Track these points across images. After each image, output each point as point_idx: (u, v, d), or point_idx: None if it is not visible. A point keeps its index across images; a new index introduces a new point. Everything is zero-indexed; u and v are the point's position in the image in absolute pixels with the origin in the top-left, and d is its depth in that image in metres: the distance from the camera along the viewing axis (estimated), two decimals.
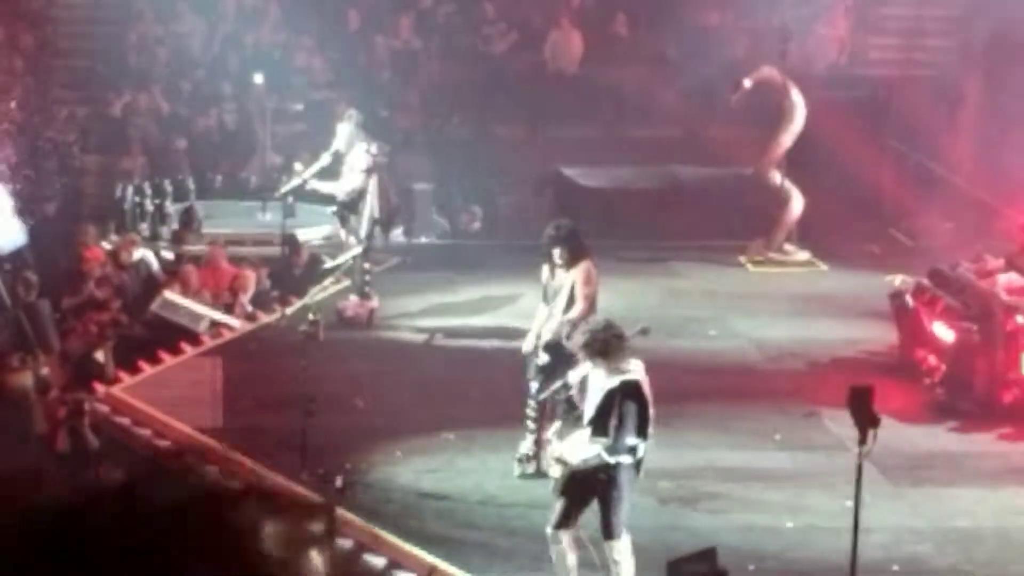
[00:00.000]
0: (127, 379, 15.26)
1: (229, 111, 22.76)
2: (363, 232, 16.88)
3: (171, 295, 17.09)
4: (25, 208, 18.72)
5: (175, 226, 20.08)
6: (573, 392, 10.74)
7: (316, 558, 2.56)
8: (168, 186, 20.65)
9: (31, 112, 21.65)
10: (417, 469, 13.12)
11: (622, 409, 10.19)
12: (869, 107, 21.54)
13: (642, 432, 10.27)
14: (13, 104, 21.23)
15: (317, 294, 17.15)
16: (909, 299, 15.63)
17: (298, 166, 18.56)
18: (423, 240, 20.88)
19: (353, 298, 17.09)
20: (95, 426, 14.42)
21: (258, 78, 22.00)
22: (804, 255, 19.92)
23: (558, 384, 11.25)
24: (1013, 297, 14.67)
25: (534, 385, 12.62)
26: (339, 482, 12.32)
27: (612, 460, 10.22)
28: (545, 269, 12.84)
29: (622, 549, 10.43)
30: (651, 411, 10.30)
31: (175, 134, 22.37)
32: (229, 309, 17.32)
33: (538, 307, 13.00)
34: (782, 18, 21.37)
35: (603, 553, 10.48)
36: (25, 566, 2.50)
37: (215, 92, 22.98)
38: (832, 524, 11.66)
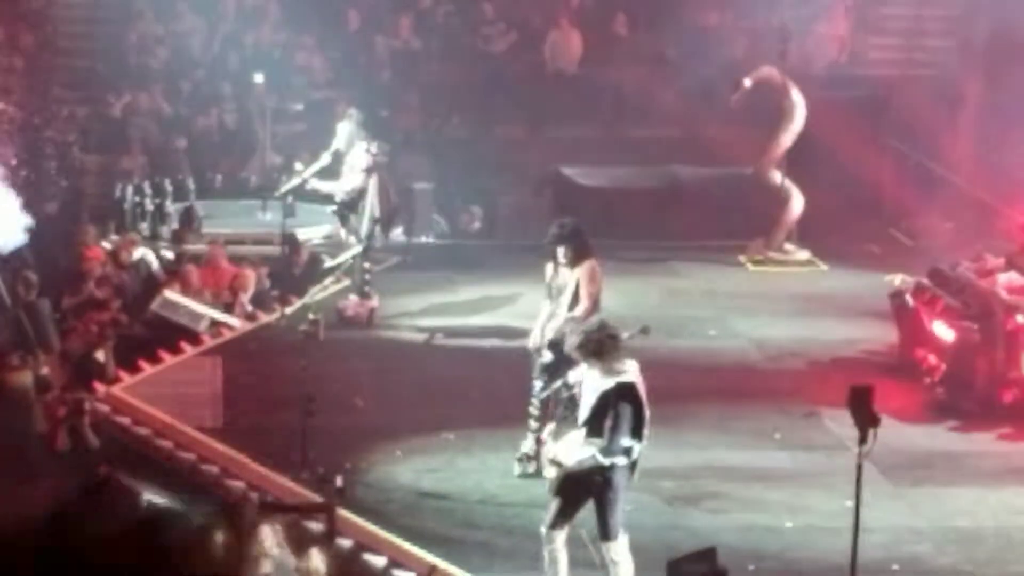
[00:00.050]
0: (127, 379, 15.26)
1: (229, 111, 22.76)
2: (363, 231, 16.89)
3: (171, 294, 17.09)
4: (25, 208, 18.71)
5: (175, 226, 20.08)
6: (575, 391, 10.75)
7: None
8: (168, 186, 20.65)
9: (31, 112, 21.66)
10: (417, 469, 13.13)
11: (617, 411, 10.19)
12: (869, 107, 21.53)
13: (637, 434, 10.27)
14: (13, 104, 21.23)
15: (317, 293, 17.18)
16: (909, 299, 15.63)
17: (298, 166, 18.58)
18: (423, 240, 20.88)
19: (353, 297, 17.09)
20: (95, 426, 14.42)
21: (258, 78, 22.00)
22: (804, 255, 19.94)
23: (558, 383, 11.27)
24: (1013, 296, 14.67)
25: (538, 384, 12.63)
26: (339, 482, 12.31)
27: (607, 462, 10.22)
28: (549, 267, 12.85)
29: (620, 549, 10.44)
30: (646, 412, 10.31)
31: (175, 134, 22.37)
32: (229, 308, 17.32)
33: (542, 304, 12.99)
34: (782, 18, 21.36)
35: (602, 552, 10.49)
36: None
37: (215, 92, 22.98)
38: (832, 524, 11.67)
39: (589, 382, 10.37)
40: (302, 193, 18.48)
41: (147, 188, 20.47)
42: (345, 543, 11.48)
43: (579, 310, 12.51)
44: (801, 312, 17.83)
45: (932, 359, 15.01)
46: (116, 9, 23.80)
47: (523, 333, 13.23)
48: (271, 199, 19.57)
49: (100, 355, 15.86)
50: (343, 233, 18.01)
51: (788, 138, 19.50)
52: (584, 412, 10.37)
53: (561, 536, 10.42)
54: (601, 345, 10.30)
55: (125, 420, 14.23)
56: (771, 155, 19.65)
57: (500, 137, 22.57)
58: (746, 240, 20.00)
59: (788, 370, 15.80)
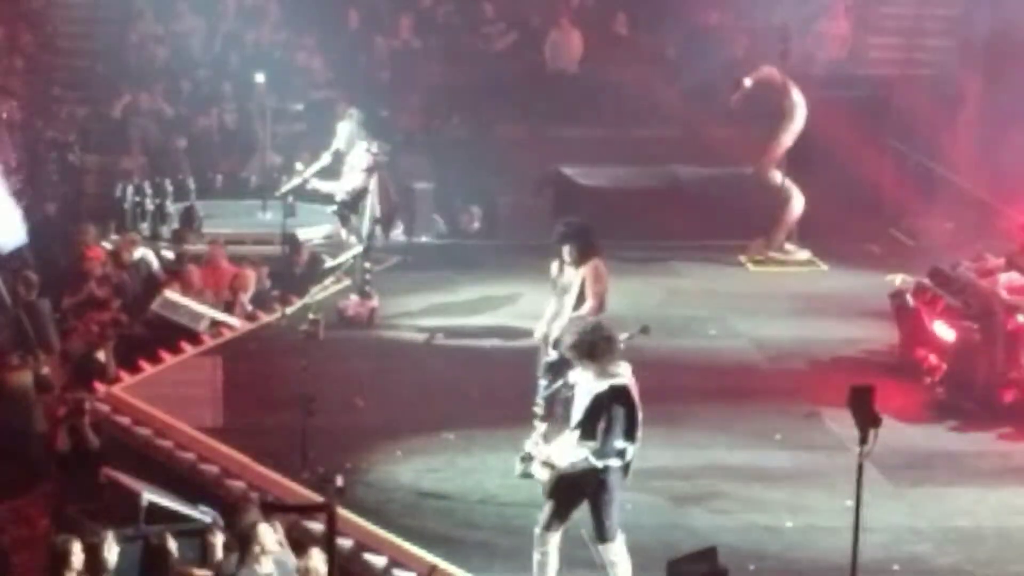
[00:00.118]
0: (127, 378, 15.25)
1: (229, 111, 22.77)
2: (364, 231, 16.89)
3: (171, 294, 17.10)
4: (25, 208, 18.73)
5: (175, 225, 20.08)
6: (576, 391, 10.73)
7: None
8: (168, 186, 20.66)
9: (31, 112, 21.68)
10: (417, 469, 13.12)
11: (610, 413, 10.15)
12: (869, 106, 21.50)
13: (630, 436, 10.25)
14: (13, 104, 21.25)
15: (317, 293, 17.17)
16: (909, 298, 15.63)
17: (299, 166, 18.57)
18: (423, 240, 20.89)
19: (353, 297, 17.09)
20: (95, 425, 14.43)
21: (258, 78, 22.00)
22: (804, 255, 19.93)
23: (559, 383, 11.26)
24: (1014, 296, 14.66)
25: (543, 383, 12.63)
26: (339, 482, 12.29)
27: (600, 464, 10.21)
28: (554, 266, 12.87)
29: (617, 550, 10.43)
30: (639, 415, 10.29)
31: (175, 134, 22.38)
32: (229, 308, 17.33)
33: (548, 302, 12.99)
34: (782, 17, 21.35)
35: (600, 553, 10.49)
36: None
37: (215, 92, 22.99)
38: (832, 524, 11.66)
39: (583, 384, 10.33)
40: (302, 193, 18.48)
41: (147, 188, 20.48)
42: (345, 543, 11.47)
43: (585, 309, 12.52)
44: (801, 312, 17.83)
45: (933, 359, 15.00)
46: (116, 9, 23.82)
47: (523, 333, 13.22)
48: (271, 199, 19.59)
49: (100, 355, 15.89)
50: (344, 233, 18.00)
51: (788, 138, 19.49)
52: (577, 414, 10.33)
53: (555, 539, 10.41)
54: (594, 347, 10.24)
55: (125, 420, 14.22)
56: (771, 155, 19.64)
57: (500, 137, 22.56)
58: (746, 240, 20.00)
59: (788, 370, 15.79)
